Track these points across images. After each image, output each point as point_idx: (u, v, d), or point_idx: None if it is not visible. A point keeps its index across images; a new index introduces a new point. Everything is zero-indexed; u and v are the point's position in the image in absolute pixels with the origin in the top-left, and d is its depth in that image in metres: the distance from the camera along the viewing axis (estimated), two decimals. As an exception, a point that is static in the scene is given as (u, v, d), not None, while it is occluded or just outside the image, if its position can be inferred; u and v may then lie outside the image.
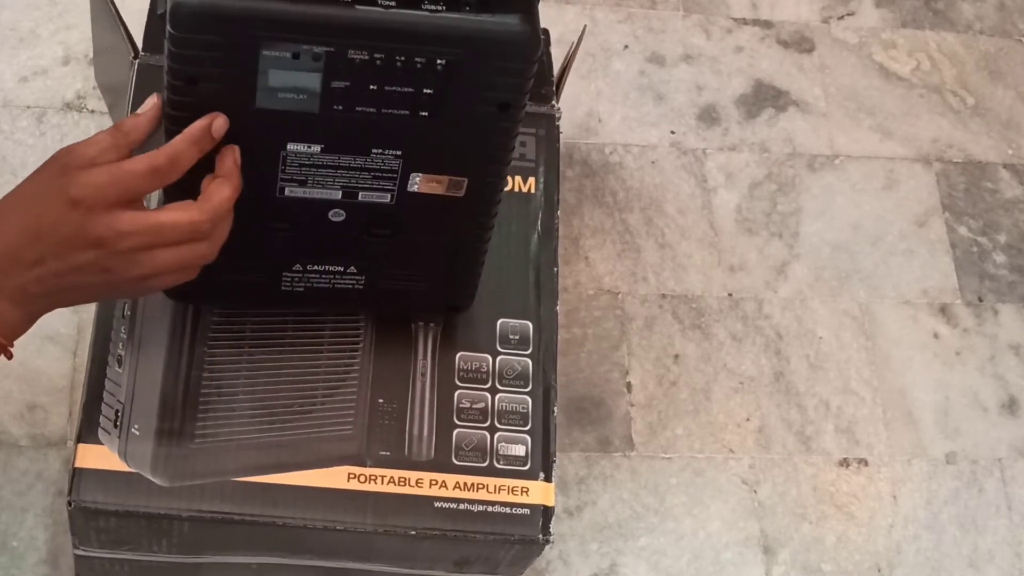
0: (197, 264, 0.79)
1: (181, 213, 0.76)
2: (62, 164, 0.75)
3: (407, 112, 0.78)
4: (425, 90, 0.77)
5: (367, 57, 0.74)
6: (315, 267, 0.89)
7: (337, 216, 0.84)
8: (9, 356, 0.77)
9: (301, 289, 0.91)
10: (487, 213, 0.87)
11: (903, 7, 1.53)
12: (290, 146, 0.79)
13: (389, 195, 0.83)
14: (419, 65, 0.75)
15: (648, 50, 1.44)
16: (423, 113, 0.78)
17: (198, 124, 0.76)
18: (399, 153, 0.80)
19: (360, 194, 0.83)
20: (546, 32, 1.11)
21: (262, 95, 0.76)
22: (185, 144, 0.76)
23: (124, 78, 1.03)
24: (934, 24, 1.53)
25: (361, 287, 0.91)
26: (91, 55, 1.28)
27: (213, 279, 0.84)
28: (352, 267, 0.90)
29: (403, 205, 0.84)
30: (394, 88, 0.76)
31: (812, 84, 1.45)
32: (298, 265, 0.89)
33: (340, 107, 0.77)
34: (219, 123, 0.77)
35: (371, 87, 0.76)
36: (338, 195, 0.83)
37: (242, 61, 0.74)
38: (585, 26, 1.16)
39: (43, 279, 0.75)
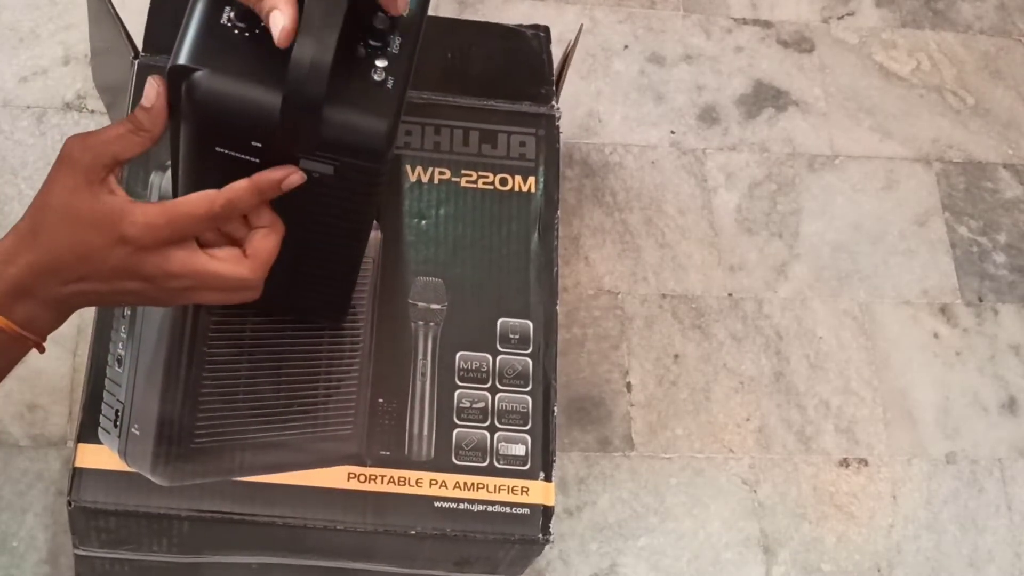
0: (240, 302, 0.79)
1: (233, 267, 0.76)
2: (99, 176, 0.74)
3: None
4: None
5: None
6: None
7: None
8: (42, 350, 0.77)
9: None
10: None
11: (903, 7, 1.53)
12: None
13: None
14: None
15: (648, 50, 1.44)
16: None
17: (270, 176, 0.75)
18: None
19: None
20: (547, 30, 1.12)
21: None
22: (249, 194, 0.75)
23: (124, 78, 1.03)
24: (934, 24, 1.53)
25: None
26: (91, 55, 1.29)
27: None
28: None
29: None
30: None
31: (812, 84, 1.45)
32: None
33: None
34: (295, 178, 0.76)
35: None
36: None
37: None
38: (582, 25, 1.16)
39: (83, 293, 0.75)
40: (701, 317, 1.31)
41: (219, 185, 0.76)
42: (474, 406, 0.96)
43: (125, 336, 0.93)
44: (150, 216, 0.73)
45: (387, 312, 0.98)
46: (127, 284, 0.75)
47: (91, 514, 0.90)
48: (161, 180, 0.97)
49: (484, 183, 1.04)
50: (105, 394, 0.92)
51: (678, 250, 1.33)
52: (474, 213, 1.02)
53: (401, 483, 0.93)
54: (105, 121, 1.26)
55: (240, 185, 0.75)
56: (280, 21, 0.70)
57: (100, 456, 0.90)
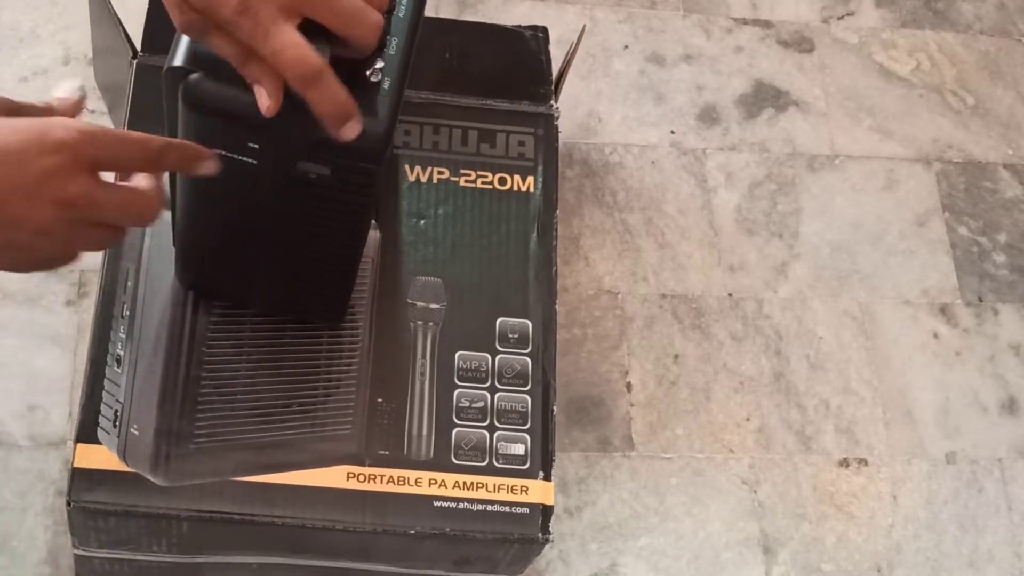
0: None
1: (150, 181, 0.73)
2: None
3: None
4: None
5: None
6: None
7: None
8: None
9: None
10: None
11: (903, 7, 1.53)
12: None
13: None
14: None
15: (648, 50, 1.44)
16: None
17: (194, 149, 0.73)
18: None
19: None
20: (545, 31, 1.12)
21: None
22: (180, 150, 0.73)
23: (123, 78, 1.03)
24: (934, 24, 1.53)
25: None
26: (91, 55, 1.28)
27: None
28: None
29: None
30: None
31: (812, 84, 1.45)
32: None
33: None
34: (209, 164, 0.74)
35: None
36: None
37: None
38: (584, 26, 1.16)
39: None
40: (701, 317, 1.31)
41: (217, 187, 0.77)
42: (473, 405, 0.97)
43: (124, 336, 0.93)
44: (91, 125, 0.68)
45: (386, 312, 0.98)
46: (33, 210, 0.65)
47: (90, 514, 0.90)
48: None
49: (483, 183, 1.04)
50: (104, 394, 0.92)
51: (678, 250, 1.33)
52: (473, 213, 1.03)
53: (400, 483, 0.93)
54: (106, 121, 1.26)
55: (180, 142, 0.73)
56: (265, 101, 0.69)
57: (100, 456, 0.90)
